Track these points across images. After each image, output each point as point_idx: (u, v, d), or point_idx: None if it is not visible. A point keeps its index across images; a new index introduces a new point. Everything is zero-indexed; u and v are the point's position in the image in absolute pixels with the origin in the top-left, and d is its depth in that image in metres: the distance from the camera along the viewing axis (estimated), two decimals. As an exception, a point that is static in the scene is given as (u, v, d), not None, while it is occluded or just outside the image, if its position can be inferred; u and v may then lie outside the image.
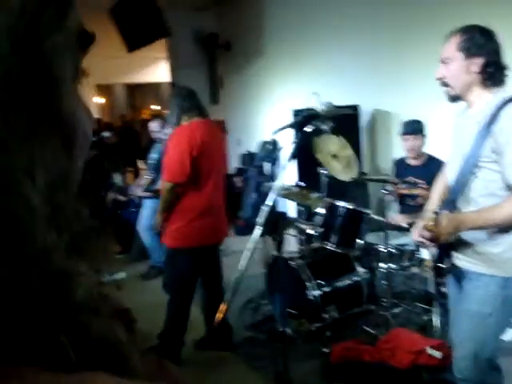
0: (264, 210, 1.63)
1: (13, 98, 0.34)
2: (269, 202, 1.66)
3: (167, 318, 3.18)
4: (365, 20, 5.28)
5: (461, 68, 1.87)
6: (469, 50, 1.84)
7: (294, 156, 1.72)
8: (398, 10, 4.83)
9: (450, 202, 1.92)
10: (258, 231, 1.63)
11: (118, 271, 5.04)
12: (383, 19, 5.02)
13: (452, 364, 2.11)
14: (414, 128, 3.81)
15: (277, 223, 1.60)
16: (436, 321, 3.22)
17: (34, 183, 0.34)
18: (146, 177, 5.05)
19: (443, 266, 1.98)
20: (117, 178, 6.28)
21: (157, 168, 4.89)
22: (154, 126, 5.27)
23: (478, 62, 1.85)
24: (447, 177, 2.10)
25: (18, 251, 0.33)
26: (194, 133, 2.93)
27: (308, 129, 2.67)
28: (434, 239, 1.85)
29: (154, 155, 5.11)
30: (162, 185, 3.09)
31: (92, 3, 6.92)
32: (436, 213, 1.82)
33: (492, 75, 1.87)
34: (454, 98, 1.96)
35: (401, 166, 4.01)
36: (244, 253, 1.69)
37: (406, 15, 4.74)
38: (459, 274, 1.99)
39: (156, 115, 8.11)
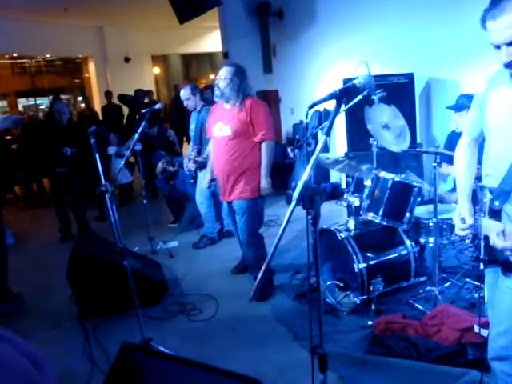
0: (299, 184, 1.61)
1: None
2: (305, 175, 1.64)
3: None
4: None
5: None
6: None
7: (329, 130, 1.68)
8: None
9: (505, 192, 1.73)
10: (292, 204, 1.62)
11: (171, 240, 5.24)
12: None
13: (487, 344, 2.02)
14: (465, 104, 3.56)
15: (312, 198, 1.58)
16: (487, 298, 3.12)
17: None
18: (191, 149, 4.87)
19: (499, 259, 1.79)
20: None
21: (197, 138, 4.78)
22: (182, 93, 4.83)
23: None
24: (494, 158, 1.88)
25: None
26: None
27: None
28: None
29: (192, 126, 4.86)
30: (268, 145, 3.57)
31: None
32: None
33: None
34: None
35: (453, 139, 3.84)
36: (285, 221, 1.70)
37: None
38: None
39: (208, 85, 8.14)
